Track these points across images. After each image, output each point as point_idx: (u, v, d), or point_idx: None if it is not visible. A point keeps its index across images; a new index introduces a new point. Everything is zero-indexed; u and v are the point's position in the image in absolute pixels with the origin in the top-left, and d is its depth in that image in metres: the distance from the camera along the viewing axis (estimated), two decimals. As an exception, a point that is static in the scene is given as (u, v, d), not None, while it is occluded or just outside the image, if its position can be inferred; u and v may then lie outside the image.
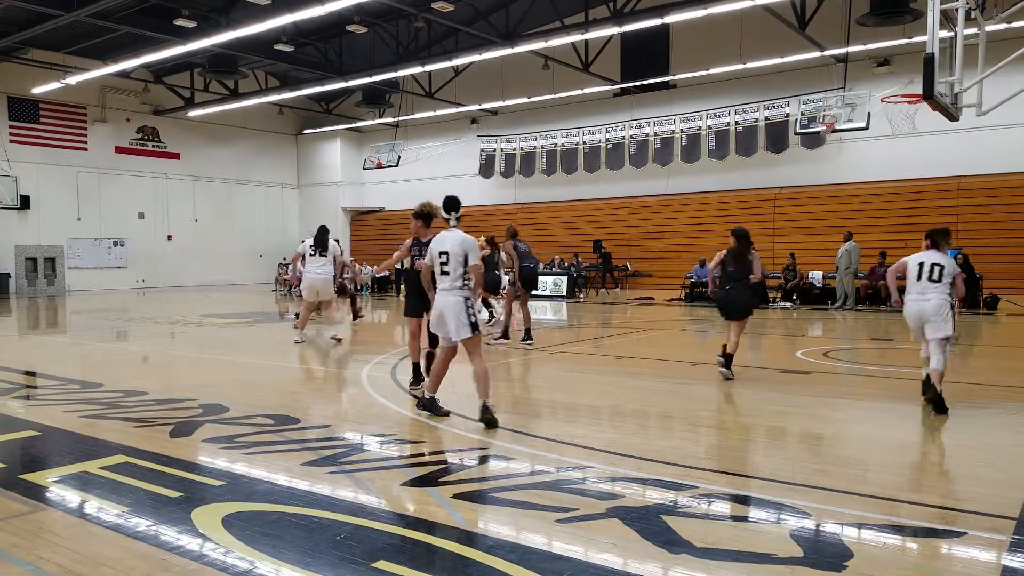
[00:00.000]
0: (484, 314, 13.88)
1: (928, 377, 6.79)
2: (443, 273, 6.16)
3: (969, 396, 7.72)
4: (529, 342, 11.37)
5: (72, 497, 4.44)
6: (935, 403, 6.49)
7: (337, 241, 15.50)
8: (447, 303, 6.13)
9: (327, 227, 12.59)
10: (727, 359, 8.45)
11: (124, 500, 4.30)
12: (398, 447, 5.55)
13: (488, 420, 6.01)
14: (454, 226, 6.27)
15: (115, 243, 29.99)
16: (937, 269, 6.84)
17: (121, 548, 3.65)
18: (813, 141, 22.52)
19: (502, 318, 12.38)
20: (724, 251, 8.59)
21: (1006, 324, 14.65)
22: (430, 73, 26.29)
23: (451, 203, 6.32)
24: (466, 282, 6.18)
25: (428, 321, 6.63)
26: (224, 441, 5.65)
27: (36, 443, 5.77)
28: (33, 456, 5.45)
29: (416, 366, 7.85)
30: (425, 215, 7.19)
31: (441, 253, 6.16)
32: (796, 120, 22.24)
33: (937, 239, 7.04)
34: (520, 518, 4.03)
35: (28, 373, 9.25)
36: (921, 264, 6.93)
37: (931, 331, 6.75)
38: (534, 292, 12.90)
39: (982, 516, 3.97)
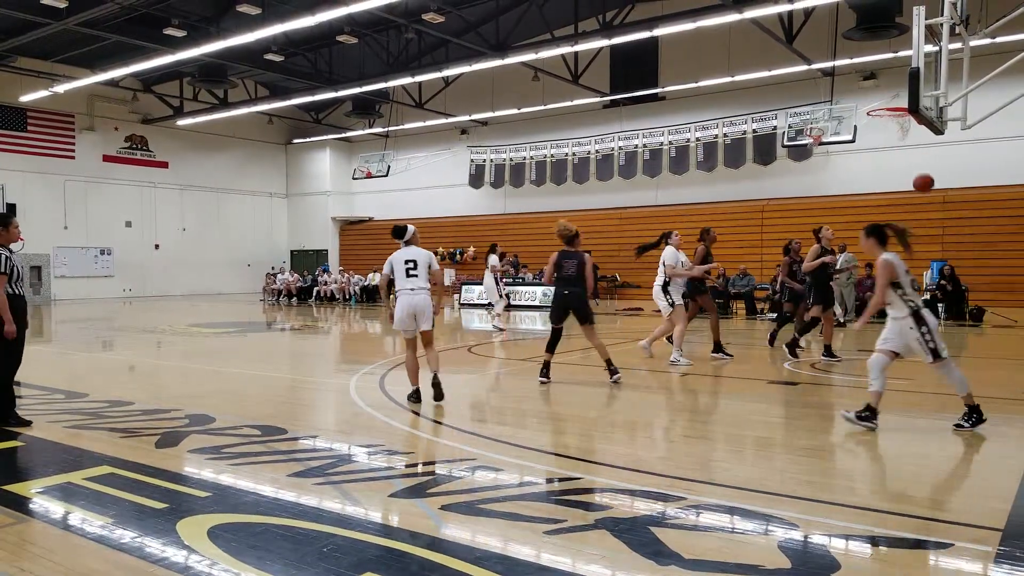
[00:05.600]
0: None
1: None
2: (412, 276, 7.38)
3: (954, 407, 7.76)
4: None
5: (56, 508, 4.39)
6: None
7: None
8: (424, 301, 7.36)
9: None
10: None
11: (109, 511, 4.26)
12: (386, 458, 5.53)
13: (438, 393, 7.34)
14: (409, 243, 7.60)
15: (102, 252, 29.82)
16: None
17: (105, 560, 3.61)
18: (800, 153, 22.70)
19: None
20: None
21: (991, 336, 14.77)
22: (420, 84, 26.37)
23: (400, 231, 7.63)
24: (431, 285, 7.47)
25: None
26: (210, 452, 5.61)
27: (20, 453, 5.71)
28: (17, 467, 5.40)
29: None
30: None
31: (408, 261, 7.41)
32: (783, 133, 22.42)
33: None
34: (508, 529, 4.02)
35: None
36: None
37: None
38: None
39: (968, 527, 3.98)
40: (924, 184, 9.52)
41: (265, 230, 35.28)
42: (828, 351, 10.62)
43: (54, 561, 3.61)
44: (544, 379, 8.65)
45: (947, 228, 20.59)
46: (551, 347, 8.77)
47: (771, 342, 12.19)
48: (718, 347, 10.99)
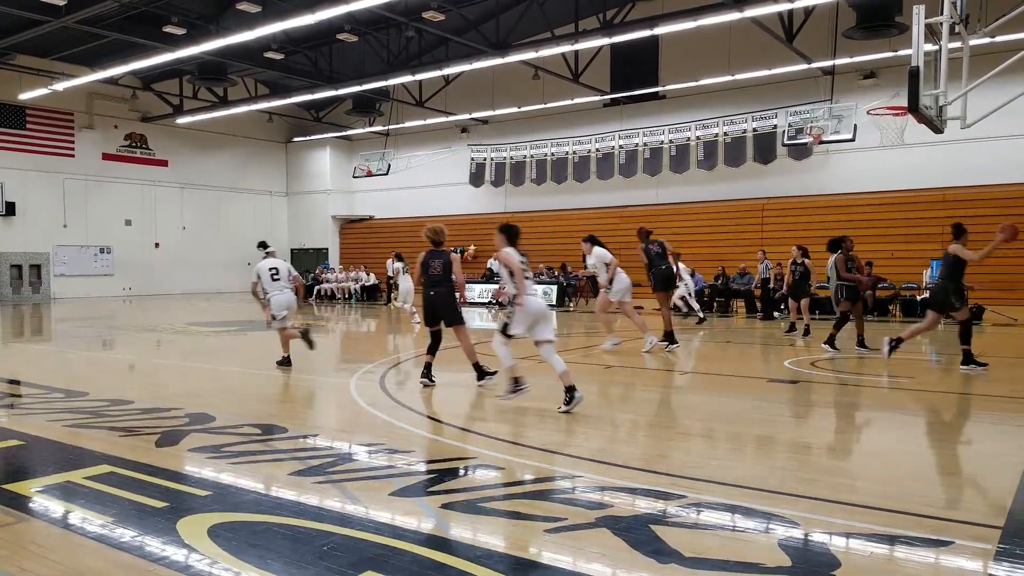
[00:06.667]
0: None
1: None
2: (276, 280, 9.87)
3: (953, 406, 7.77)
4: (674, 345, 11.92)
5: (56, 507, 4.39)
6: None
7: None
8: (292, 298, 9.98)
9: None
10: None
11: (109, 510, 4.26)
12: (386, 456, 5.53)
13: (309, 342, 9.92)
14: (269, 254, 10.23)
15: (101, 250, 29.81)
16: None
17: (105, 559, 3.62)
18: (800, 152, 22.70)
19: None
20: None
21: (991, 334, 14.77)
22: (420, 82, 26.35)
23: (265, 244, 10.65)
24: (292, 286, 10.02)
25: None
26: (210, 451, 5.61)
27: (20, 453, 5.71)
28: (16, 466, 5.39)
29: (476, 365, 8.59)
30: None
31: (271, 269, 9.91)
32: (783, 131, 22.42)
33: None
34: (508, 528, 4.02)
35: (12, 382, 9.17)
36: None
37: None
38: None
39: (967, 525, 3.99)
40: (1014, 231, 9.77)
41: (265, 229, 35.19)
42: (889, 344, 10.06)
43: (54, 560, 3.61)
44: (425, 380, 8.45)
45: (946, 227, 20.53)
46: (431, 349, 8.58)
47: (831, 343, 11.54)
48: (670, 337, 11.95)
